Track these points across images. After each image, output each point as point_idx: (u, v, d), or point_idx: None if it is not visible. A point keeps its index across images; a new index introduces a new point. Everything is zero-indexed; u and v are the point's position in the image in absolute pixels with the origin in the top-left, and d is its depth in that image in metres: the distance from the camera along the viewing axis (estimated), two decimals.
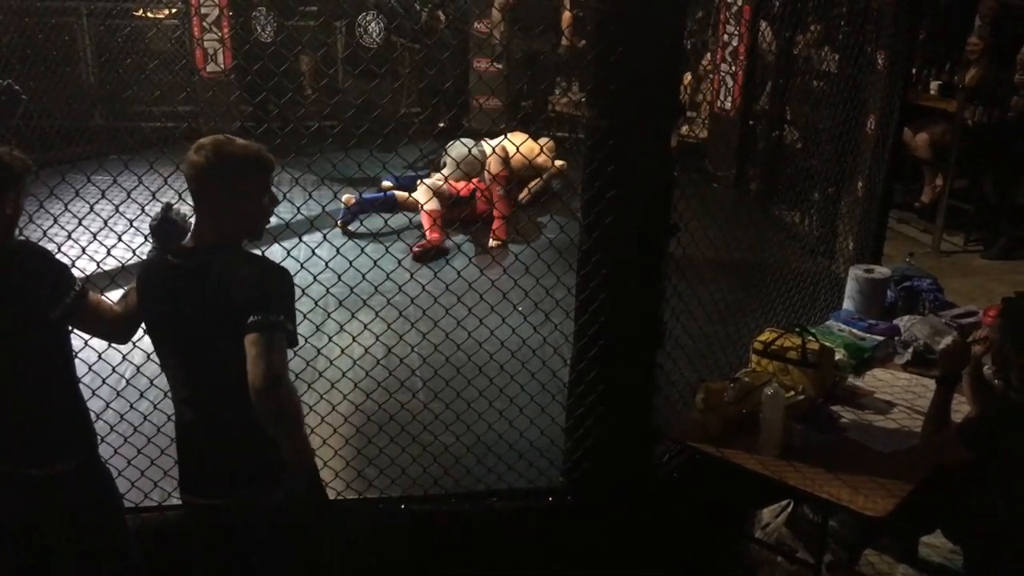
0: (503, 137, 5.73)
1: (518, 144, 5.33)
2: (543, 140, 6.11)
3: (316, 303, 3.09)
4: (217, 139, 2.17)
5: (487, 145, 5.56)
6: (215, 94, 7.14)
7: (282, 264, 2.23)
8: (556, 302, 3.07)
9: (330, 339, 3.40)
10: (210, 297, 2.12)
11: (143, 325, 2.32)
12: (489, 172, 5.52)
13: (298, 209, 3.09)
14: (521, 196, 6.10)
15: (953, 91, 6.67)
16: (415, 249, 5.19)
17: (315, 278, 2.88)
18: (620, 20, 2.66)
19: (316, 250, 2.83)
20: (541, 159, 5.84)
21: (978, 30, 6.88)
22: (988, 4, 6.86)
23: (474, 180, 5.68)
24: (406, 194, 5.87)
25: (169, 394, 2.31)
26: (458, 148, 5.66)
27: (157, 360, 2.30)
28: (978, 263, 6.47)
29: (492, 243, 5.49)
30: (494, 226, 5.54)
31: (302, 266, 2.97)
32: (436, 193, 5.55)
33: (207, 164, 2.12)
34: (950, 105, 6.56)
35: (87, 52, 7.49)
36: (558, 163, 6.24)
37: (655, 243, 2.88)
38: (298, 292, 2.72)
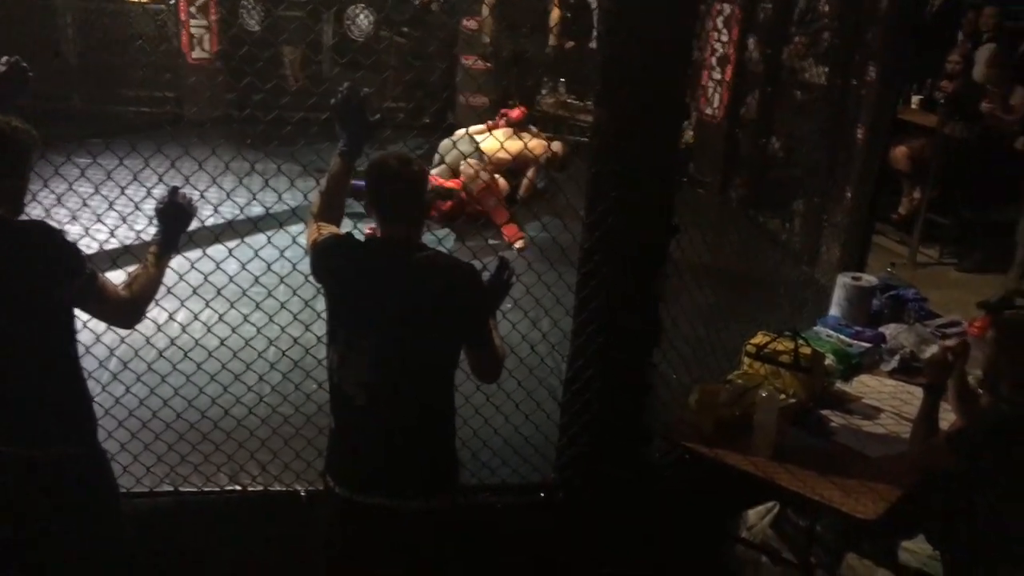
0: (488, 134, 5.72)
1: (502, 140, 5.32)
2: (535, 140, 6.08)
3: (294, 291, 3.05)
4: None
5: (470, 141, 5.55)
6: (200, 80, 7.08)
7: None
8: (556, 299, 3.10)
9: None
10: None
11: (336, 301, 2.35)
12: (481, 179, 5.50)
13: (279, 196, 3.08)
14: (522, 190, 6.08)
15: (934, 106, 6.80)
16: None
17: (294, 267, 2.85)
18: (630, 20, 2.69)
19: (297, 239, 2.83)
20: (533, 144, 5.78)
21: (960, 46, 7.02)
22: (971, 21, 7.01)
23: (461, 178, 5.70)
24: None
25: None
26: (449, 150, 5.68)
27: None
28: (953, 276, 6.59)
29: (518, 245, 5.47)
30: (506, 233, 5.52)
31: (281, 254, 2.95)
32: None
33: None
34: (930, 119, 6.69)
35: (69, 34, 7.39)
36: (555, 146, 6.14)
37: (657, 244, 2.91)
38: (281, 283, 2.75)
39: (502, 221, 5.53)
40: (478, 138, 5.66)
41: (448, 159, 5.70)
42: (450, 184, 5.71)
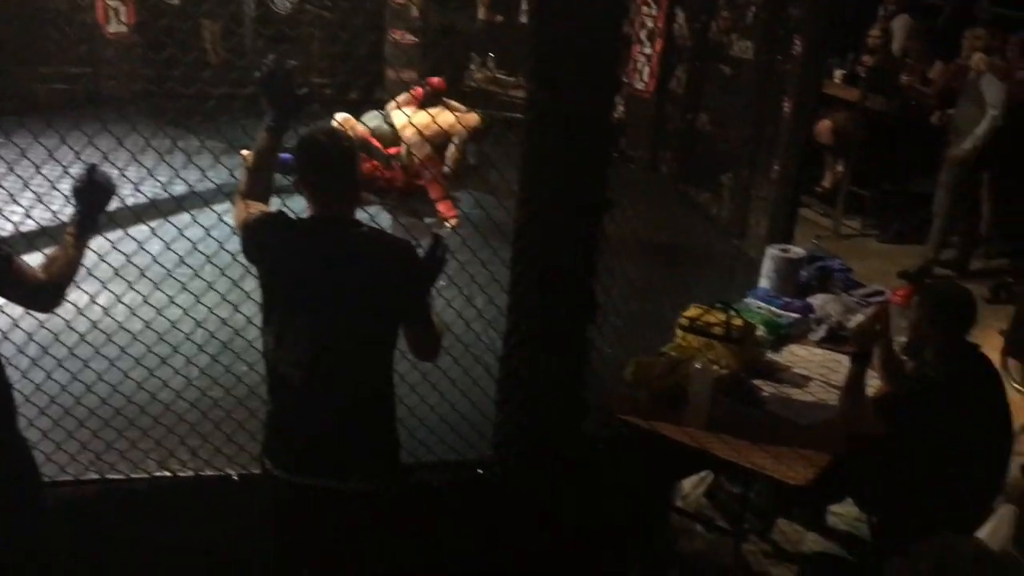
0: (417, 110, 5.63)
1: (433, 115, 5.25)
2: (471, 115, 5.99)
3: (222, 271, 2.98)
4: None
5: (399, 115, 5.47)
6: (124, 54, 6.84)
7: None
8: (491, 275, 3.07)
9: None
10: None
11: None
12: (414, 152, 5.41)
13: (203, 173, 2.98)
14: (449, 162, 5.98)
15: (856, 80, 6.94)
16: None
17: (221, 246, 2.77)
18: None
19: (223, 217, 2.76)
20: (454, 117, 5.71)
21: (880, 21, 7.17)
22: None
23: (392, 149, 5.61)
24: None
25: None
26: (373, 118, 5.58)
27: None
28: (874, 247, 6.78)
29: (451, 223, 5.39)
30: (440, 208, 5.45)
31: (207, 233, 2.87)
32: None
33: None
34: (853, 94, 6.83)
35: None
36: (471, 118, 6.00)
37: (591, 218, 2.90)
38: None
39: (437, 196, 5.47)
40: (406, 111, 5.58)
41: (380, 131, 5.58)
42: (391, 151, 5.63)
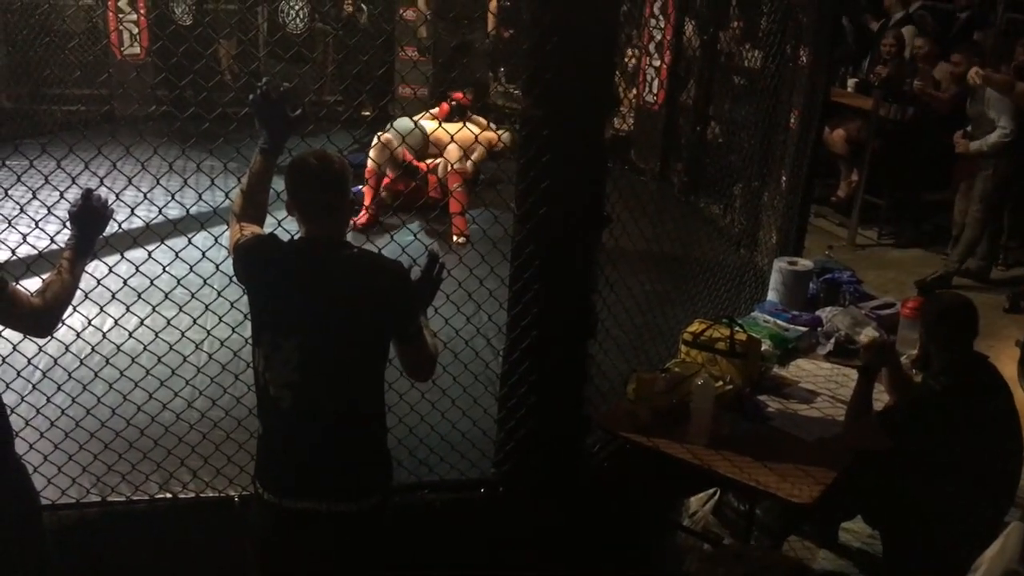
0: (438, 123, 5.66)
1: (453, 132, 5.26)
2: (500, 132, 6.04)
3: (219, 292, 2.97)
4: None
5: (427, 124, 5.49)
6: (137, 76, 6.93)
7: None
8: (489, 292, 3.06)
9: None
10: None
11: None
12: (448, 162, 5.43)
13: (226, 195, 2.98)
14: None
15: (869, 88, 6.87)
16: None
17: (217, 268, 2.76)
18: (555, 9, 2.66)
19: (219, 239, 2.75)
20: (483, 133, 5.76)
21: (892, 29, 7.10)
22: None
23: (427, 163, 5.66)
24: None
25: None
26: (403, 122, 5.61)
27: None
28: (891, 256, 6.70)
29: (457, 240, 5.43)
30: (456, 223, 5.48)
31: (204, 255, 2.84)
32: (391, 154, 5.48)
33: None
34: (866, 102, 6.76)
35: None
36: (505, 137, 6.06)
37: (588, 234, 2.89)
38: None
39: (457, 211, 5.49)
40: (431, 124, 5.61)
41: (409, 140, 5.60)
42: (419, 164, 5.69)
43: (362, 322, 2.23)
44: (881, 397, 3.10)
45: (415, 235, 4.78)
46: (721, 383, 3.12)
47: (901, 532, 2.99)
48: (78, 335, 2.91)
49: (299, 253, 2.27)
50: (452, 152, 5.30)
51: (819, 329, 3.66)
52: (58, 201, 2.58)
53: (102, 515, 2.90)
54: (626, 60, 7.17)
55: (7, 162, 2.70)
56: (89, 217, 2.36)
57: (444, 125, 5.26)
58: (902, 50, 6.83)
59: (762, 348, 3.38)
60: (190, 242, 2.85)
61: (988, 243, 6.12)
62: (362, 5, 7.71)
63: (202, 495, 2.97)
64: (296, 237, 2.31)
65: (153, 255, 2.84)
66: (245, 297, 2.33)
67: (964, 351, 2.85)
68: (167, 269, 2.82)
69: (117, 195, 2.63)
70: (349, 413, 2.27)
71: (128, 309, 2.97)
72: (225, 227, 2.53)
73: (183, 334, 3.04)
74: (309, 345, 2.20)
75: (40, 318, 2.28)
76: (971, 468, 2.74)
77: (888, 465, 2.86)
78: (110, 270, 2.75)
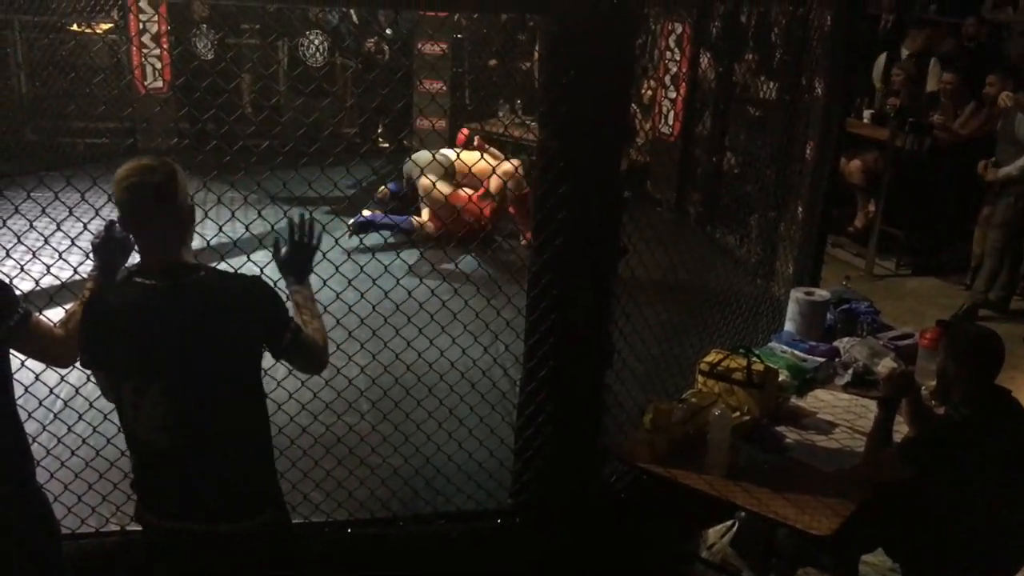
0: (456, 152, 5.76)
1: (471, 163, 5.34)
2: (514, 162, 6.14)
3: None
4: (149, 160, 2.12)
5: (449, 154, 5.56)
6: (162, 110, 7.05)
7: None
8: (506, 322, 3.07)
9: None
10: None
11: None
12: (510, 189, 5.63)
13: (247, 228, 3.03)
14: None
15: (885, 119, 6.89)
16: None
17: None
18: (572, 43, 2.69)
19: (264, 269, 2.77)
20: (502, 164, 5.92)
21: (902, 61, 7.12)
22: (913, 37, 7.13)
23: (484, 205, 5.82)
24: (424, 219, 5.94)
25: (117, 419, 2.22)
26: (423, 155, 5.69)
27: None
28: (909, 286, 6.67)
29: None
30: (527, 236, 5.59)
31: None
32: (438, 208, 5.64)
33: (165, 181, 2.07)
34: (882, 133, 6.77)
35: (19, 66, 7.33)
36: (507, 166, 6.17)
37: (605, 264, 2.90)
38: None
39: (527, 227, 5.60)
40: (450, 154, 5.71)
41: (437, 171, 5.65)
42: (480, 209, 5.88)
43: (224, 351, 2.11)
44: (900, 428, 3.08)
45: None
46: (738, 413, 3.11)
47: (923, 566, 2.95)
48: None
49: (139, 293, 2.10)
50: (514, 182, 5.66)
51: (837, 359, 3.64)
52: (82, 232, 2.61)
53: (121, 544, 2.91)
54: (642, 92, 7.24)
55: (32, 194, 2.76)
56: (112, 248, 2.40)
57: (463, 155, 5.34)
58: (913, 81, 6.85)
59: (779, 378, 3.37)
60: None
61: (1008, 273, 6.09)
62: (384, 46, 7.85)
63: None
64: (132, 268, 2.18)
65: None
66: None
67: (988, 383, 2.83)
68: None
69: None
70: (228, 436, 2.16)
71: None
72: (245, 259, 2.56)
73: None
74: (173, 386, 2.09)
75: (62, 348, 2.31)
76: (995, 500, 2.71)
77: (910, 497, 2.83)
78: None
